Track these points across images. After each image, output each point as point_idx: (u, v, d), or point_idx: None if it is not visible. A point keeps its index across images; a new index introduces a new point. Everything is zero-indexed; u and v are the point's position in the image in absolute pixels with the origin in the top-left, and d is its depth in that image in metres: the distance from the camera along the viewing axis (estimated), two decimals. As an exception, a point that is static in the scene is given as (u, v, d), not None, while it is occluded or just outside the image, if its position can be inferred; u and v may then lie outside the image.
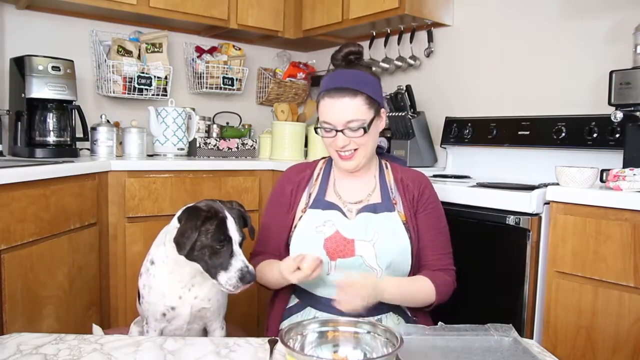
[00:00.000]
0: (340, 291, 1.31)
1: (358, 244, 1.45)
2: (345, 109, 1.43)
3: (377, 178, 1.57)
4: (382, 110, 1.51)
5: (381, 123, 1.52)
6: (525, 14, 2.42)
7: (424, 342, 1.19)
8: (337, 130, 1.44)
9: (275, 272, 1.44)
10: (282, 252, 1.54)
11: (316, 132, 1.51)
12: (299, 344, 1.09)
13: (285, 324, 1.50)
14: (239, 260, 1.33)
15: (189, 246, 1.31)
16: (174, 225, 1.39)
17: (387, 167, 1.61)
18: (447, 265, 1.54)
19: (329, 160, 1.64)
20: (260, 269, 1.51)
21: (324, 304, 1.45)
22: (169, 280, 1.43)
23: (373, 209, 1.50)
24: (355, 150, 1.47)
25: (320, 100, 1.48)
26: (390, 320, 1.47)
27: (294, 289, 1.56)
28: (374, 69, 2.98)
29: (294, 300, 1.55)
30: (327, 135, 1.47)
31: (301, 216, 1.53)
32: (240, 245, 1.36)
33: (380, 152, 1.66)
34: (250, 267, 1.33)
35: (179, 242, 1.32)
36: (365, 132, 1.44)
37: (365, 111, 1.44)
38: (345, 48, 1.52)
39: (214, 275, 1.34)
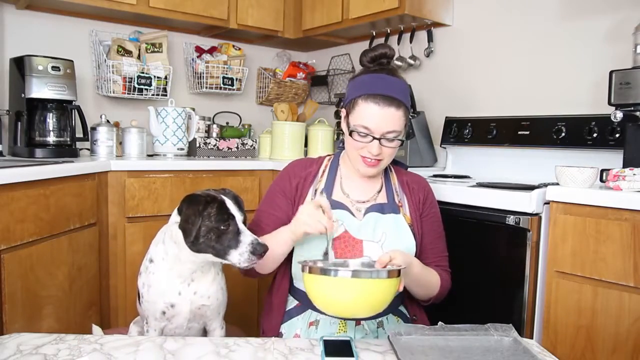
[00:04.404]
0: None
1: (366, 245, 1.44)
2: (389, 119, 1.39)
3: (383, 179, 1.57)
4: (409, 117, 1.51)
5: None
6: (525, 14, 2.42)
7: (424, 342, 1.19)
8: (374, 137, 1.40)
9: (281, 233, 1.42)
10: None
11: (350, 135, 1.44)
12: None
13: (285, 327, 1.49)
14: (247, 235, 1.33)
15: (195, 231, 1.32)
16: (173, 221, 1.40)
17: (391, 170, 1.61)
18: (445, 266, 1.57)
19: (334, 158, 1.61)
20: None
21: None
22: (169, 276, 1.43)
23: (381, 209, 1.49)
24: (380, 161, 1.44)
25: (360, 102, 1.41)
26: (390, 321, 1.47)
27: (292, 290, 1.55)
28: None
29: (293, 303, 1.53)
30: (362, 140, 1.41)
31: None
32: (244, 223, 1.37)
33: None
34: (260, 239, 1.33)
35: (185, 228, 1.33)
36: (401, 143, 1.44)
37: (403, 123, 1.43)
38: (381, 49, 1.47)
39: (224, 257, 1.34)
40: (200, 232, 1.33)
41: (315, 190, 1.54)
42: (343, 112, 1.50)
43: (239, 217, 1.35)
